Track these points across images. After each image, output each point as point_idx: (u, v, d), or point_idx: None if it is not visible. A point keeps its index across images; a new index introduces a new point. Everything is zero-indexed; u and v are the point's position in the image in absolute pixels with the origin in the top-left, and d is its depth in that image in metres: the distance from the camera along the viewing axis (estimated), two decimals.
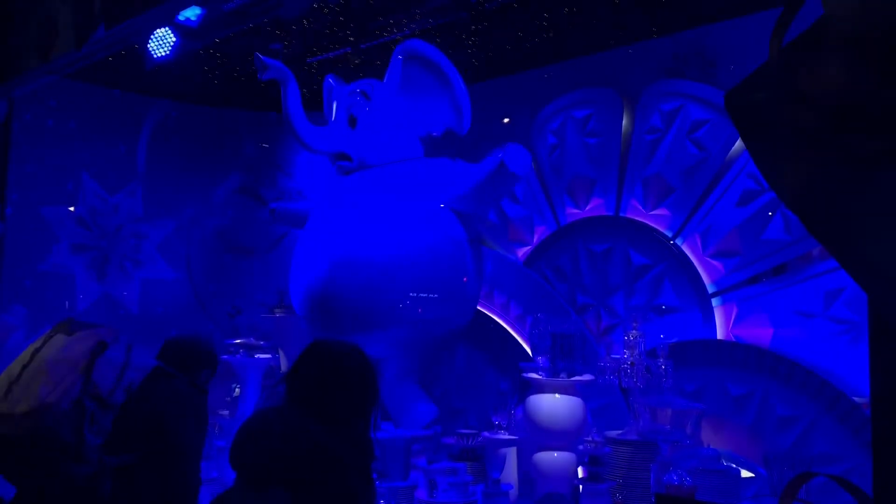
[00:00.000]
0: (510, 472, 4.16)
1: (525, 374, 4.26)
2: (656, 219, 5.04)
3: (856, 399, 4.08)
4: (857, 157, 1.65)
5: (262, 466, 2.15)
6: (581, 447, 3.97)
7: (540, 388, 4.17)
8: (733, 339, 4.61)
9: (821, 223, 1.74)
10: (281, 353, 5.86)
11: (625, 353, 4.15)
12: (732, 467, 3.99)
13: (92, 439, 2.85)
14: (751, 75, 1.89)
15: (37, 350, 2.98)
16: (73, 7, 4.01)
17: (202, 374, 3.21)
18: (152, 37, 5.52)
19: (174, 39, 5.65)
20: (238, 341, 5.46)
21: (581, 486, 3.95)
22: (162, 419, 2.93)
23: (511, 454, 4.22)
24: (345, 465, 2.15)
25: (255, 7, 3.98)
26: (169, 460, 2.94)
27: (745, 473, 4.23)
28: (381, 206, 4.44)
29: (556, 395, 4.09)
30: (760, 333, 4.53)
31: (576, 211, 5.44)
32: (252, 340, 5.46)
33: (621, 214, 5.21)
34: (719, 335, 4.68)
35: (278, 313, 5.97)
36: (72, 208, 6.48)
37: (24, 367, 2.92)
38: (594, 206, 5.38)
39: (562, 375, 4.12)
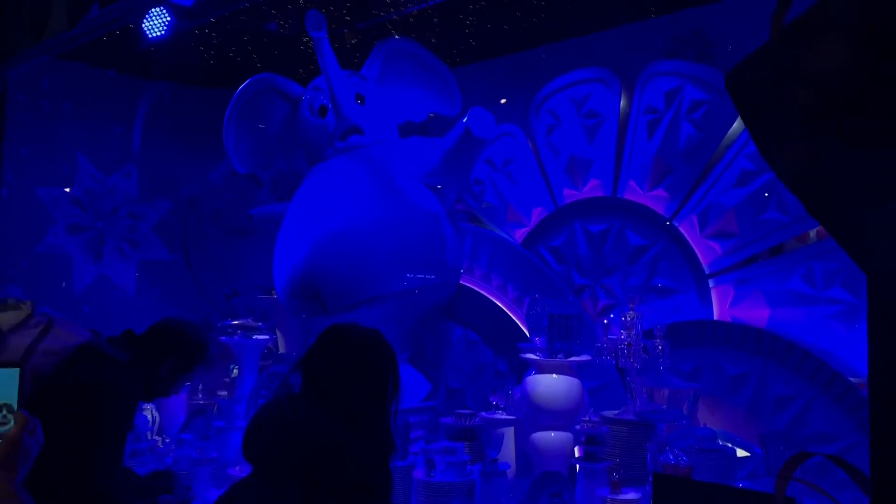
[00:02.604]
0: (508, 452, 4.19)
1: (522, 355, 4.27)
2: (654, 200, 5.03)
3: (852, 380, 4.11)
4: (857, 138, 1.65)
5: (277, 459, 2.09)
6: (578, 427, 3.99)
7: (538, 369, 4.18)
8: (730, 320, 4.62)
9: (820, 203, 1.73)
10: (279, 334, 5.87)
11: (622, 334, 4.16)
12: (728, 447, 4.02)
13: None
14: (751, 55, 1.87)
15: None
16: None
17: (167, 360, 2.86)
18: (147, 16, 5.49)
19: (169, 19, 5.62)
20: (235, 322, 5.46)
21: (578, 466, 3.98)
22: (63, 410, 2.49)
23: (509, 434, 4.24)
24: (361, 459, 2.08)
25: None
26: (70, 453, 2.48)
27: (740, 453, 4.26)
28: (360, 185, 4.47)
29: (554, 376, 4.10)
30: (757, 314, 4.54)
31: (573, 192, 5.43)
32: (249, 322, 5.46)
33: (619, 195, 5.21)
34: (716, 316, 4.69)
35: (275, 294, 5.97)
36: (68, 189, 6.46)
37: None
38: (592, 187, 5.36)
39: (559, 356, 4.13)
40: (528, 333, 5.15)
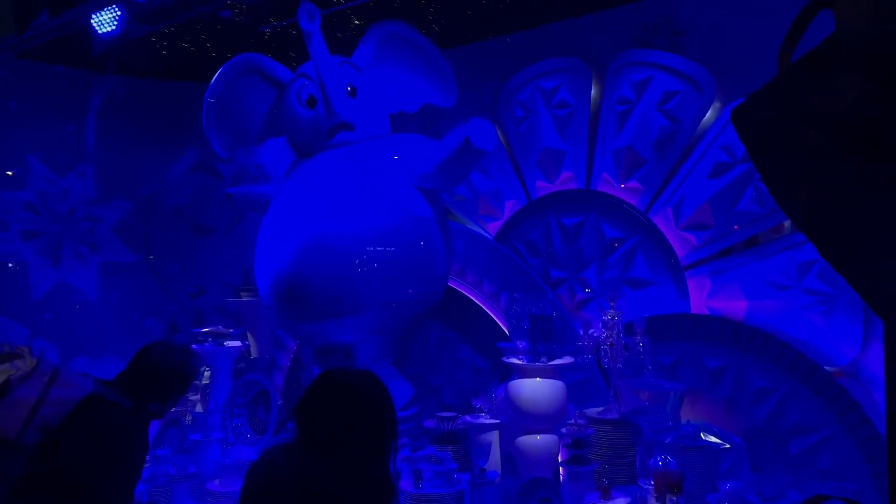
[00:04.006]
0: (493, 456, 4.16)
1: (505, 359, 4.23)
2: (628, 192, 5.01)
3: (829, 369, 4.16)
4: (869, 179, 1.60)
5: None
6: (564, 430, 3.98)
7: (521, 373, 4.15)
8: (707, 312, 4.64)
9: (834, 248, 1.70)
10: (251, 338, 5.74)
11: (604, 333, 4.14)
12: (712, 442, 4.05)
13: None
14: (758, 91, 1.81)
15: None
16: None
17: (168, 397, 2.87)
18: (97, 13, 5.23)
19: (119, 13, 5.37)
20: (206, 330, 5.31)
21: (564, 469, 3.97)
22: (76, 464, 2.54)
23: (495, 439, 4.22)
24: None
25: None
26: None
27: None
28: (348, 187, 4.29)
29: (538, 379, 4.08)
30: (734, 306, 4.56)
31: (546, 184, 5.37)
32: (220, 328, 5.32)
33: (592, 188, 5.17)
34: (693, 308, 4.70)
35: (245, 297, 5.84)
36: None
37: None
38: (565, 180, 5.31)
39: (542, 359, 4.10)
40: (506, 331, 5.12)
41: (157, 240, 6.91)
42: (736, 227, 4.61)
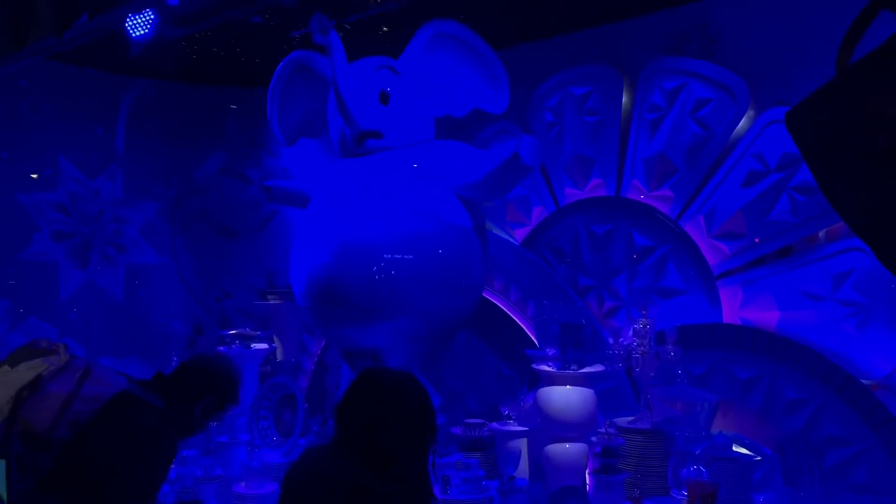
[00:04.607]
0: (522, 465, 4.13)
1: (535, 366, 4.20)
2: (659, 200, 4.97)
3: (864, 382, 4.10)
4: None
5: None
6: (594, 438, 3.94)
7: (551, 380, 4.12)
8: (739, 322, 4.59)
9: (893, 253, 1.66)
10: (277, 342, 5.75)
11: (636, 342, 4.11)
12: (744, 454, 4.00)
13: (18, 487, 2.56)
14: (813, 95, 1.78)
15: None
16: None
17: (201, 401, 2.88)
18: (131, 16, 5.26)
19: (152, 17, 5.40)
20: (233, 332, 5.33)
21: (593, 478, 3.93)
22: (103, 461, 2.56)
23: (524, 447, 4.18)
24: None
25: None
26: None
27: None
28: (391, 193, 4.21)
29: (568, 387, 4.04)
30: (766, 316, 4.51)
31: (575, 191, 5.35)
32: (248, 331, 5.33)
33: (622, 195, 5.13)
34: (725, 318, 4.65)
35: (272, 300, 5.85)
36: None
37: None
38: (594, 187, 5.29)
39: (573, 367, 4.07)
40: (533, 338, 5.09)
41: (183, 241, 6.94)
42: (756, 239, 4.56)
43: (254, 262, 7.12)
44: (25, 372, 2.65)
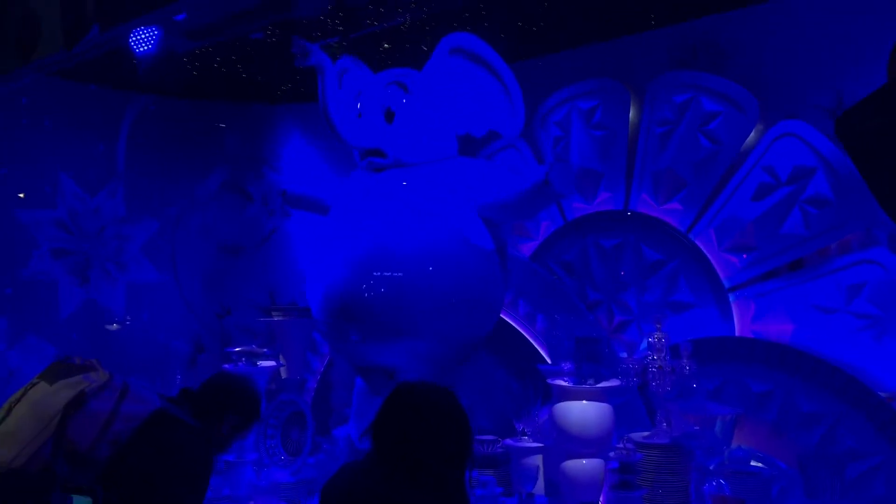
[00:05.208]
0: (539, 482, 4.08)
1: (550, 381, 4.16)
2: (668, 213, 4.96)
3: (881, 394, 4.08)
4: None
5: None
6: (612, 454, 3.90)
7: (565, 395, 4.08)
8: (752, 336, 4.57)
9: None
10: (282, 359, 5.68)
11: (652, 356, 4.08)
12: (763, 468, 3.97)
13: None
14: (864, 100, 1.78)
15: (14, 403, 2.69)
16: (60, 7, 3.72)
17: (228, 419, 2.91)
18: (135, 31, 5.23)
19: (156, 33, 5.37)
20: (238, 349, 5.25)
21: (611, 495, 3.89)
22: (144, 480, 2.59)
23: (540, 463, 4.14)
24: None
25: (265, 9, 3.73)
26: None
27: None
28: (413, 209, 4.14)
29: (585, 402, 4.00)
30: (779, 329, 4.49)
31: (583, 205, 5.33)
32: (254, 348, 5.26)
33: (631, 209, 5.12)
34: (737, 331, 4.63)
35: (276, 316, 5.79)
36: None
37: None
38: (602, 201, 5.28)
39: (589, 381, 4.03)
40: (541, 352, 5.05)
41: (184, 258, 6.87)
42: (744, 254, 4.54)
43: (254, 278, 7.06)
44: (66, 389, 2.62)
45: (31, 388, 2.75)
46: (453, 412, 2.14)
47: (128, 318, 5.77)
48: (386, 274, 3.98)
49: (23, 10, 4.07)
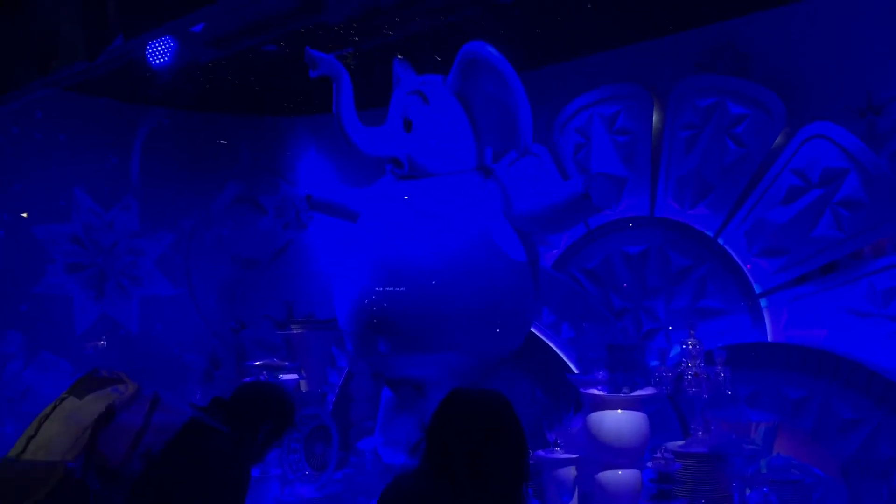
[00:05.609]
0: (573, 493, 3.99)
1: (583, 390, 4.07)
2: (695, 218, 4.89)
3: None
4: None
5: None
6: (650, 464, 3.81)
7: (599, 404, 3.99)
8: (785, 341, 4.49)
9: None
10: (303, 372, 5.59)
11: (687, 363, 3.99)
12: (804, 475, 3.88)
13: None
14: None
15: (44, 418, 2.60)
16: (82, 18, 3.66)
17: (263, 426, 2.83)
18: (151, 43, 5.18)
19: (172, 45, 5.32)
20: (258, 363, 5.18)
21: None
22: (180, 491, 2.51)
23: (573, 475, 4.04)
24: None
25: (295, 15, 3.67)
26: None
27: None
28: (444, 219, 4.06)
29: (619, 411, 3.91)
30: (813, 334, 4.41)
31: (607, 211, 5.26)
32: (275, 361, 5.18)
33: (656, 214, 5.05)
34: (770, 337, 4.55)
35: (296, 329, 5.70)
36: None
37: (30, 438, 2.55)
38: (626, 207, 5.21)
39: (623, 390, 3.95)
40: (568, 361, 4.97)
41: (198, 272, 6.80)
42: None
43: (269, 292, 6.98)
44: (95, 403, 2.52)
45: (60, 402, 2.68)
46: (510, 419, 2.06)
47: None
48: (416, 286, 3.91)
49: (44, 24, 4.01)
